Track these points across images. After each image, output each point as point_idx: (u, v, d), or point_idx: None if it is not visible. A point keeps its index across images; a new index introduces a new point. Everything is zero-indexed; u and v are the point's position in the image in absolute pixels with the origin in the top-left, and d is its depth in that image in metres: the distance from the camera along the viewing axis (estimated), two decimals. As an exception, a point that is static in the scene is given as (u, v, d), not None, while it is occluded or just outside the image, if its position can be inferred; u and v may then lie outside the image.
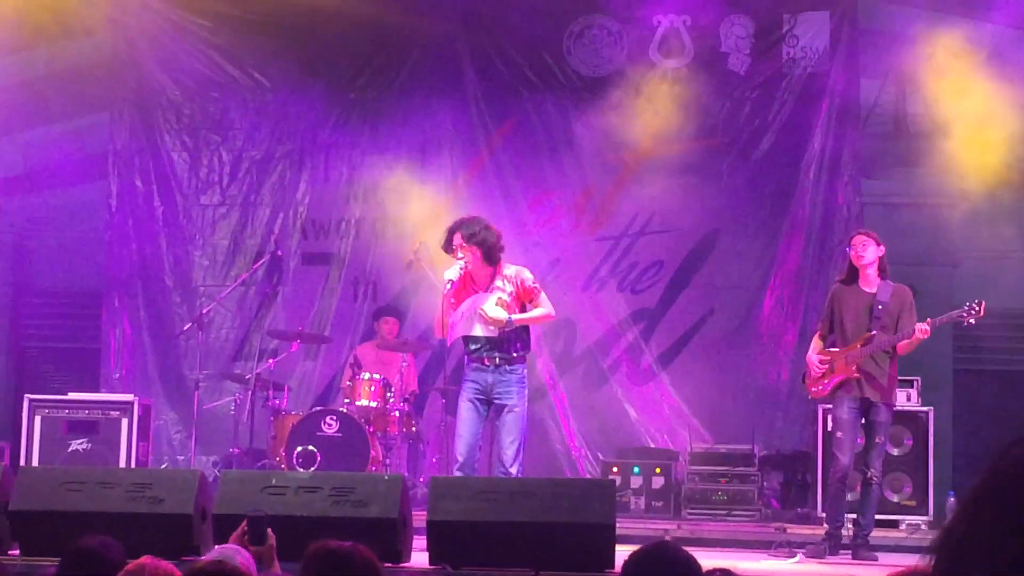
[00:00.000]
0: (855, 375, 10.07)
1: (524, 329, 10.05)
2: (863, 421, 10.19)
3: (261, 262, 14.46)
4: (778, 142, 14.50)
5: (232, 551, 5.42)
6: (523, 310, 10.01)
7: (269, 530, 5.98)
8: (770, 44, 14.59)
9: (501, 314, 9.82)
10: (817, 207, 14.35)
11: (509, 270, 10.02)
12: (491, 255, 9.92)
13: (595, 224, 14.79)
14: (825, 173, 14.34)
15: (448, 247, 10.04)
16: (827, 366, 10.22)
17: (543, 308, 10.02)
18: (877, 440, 10.07)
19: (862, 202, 14.68)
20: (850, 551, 10.08)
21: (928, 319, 9.95)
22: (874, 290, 10.15)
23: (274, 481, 8.97)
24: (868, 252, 10.15)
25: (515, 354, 9.95)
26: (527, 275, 10.03)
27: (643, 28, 14.62)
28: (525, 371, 10.05)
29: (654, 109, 14.50)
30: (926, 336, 9.92)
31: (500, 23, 14.86)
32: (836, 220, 14.26)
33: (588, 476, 13.87)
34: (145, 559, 4.57)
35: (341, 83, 15.06)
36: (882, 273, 10.22)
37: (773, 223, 14.47)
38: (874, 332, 10.05)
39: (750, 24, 14.59)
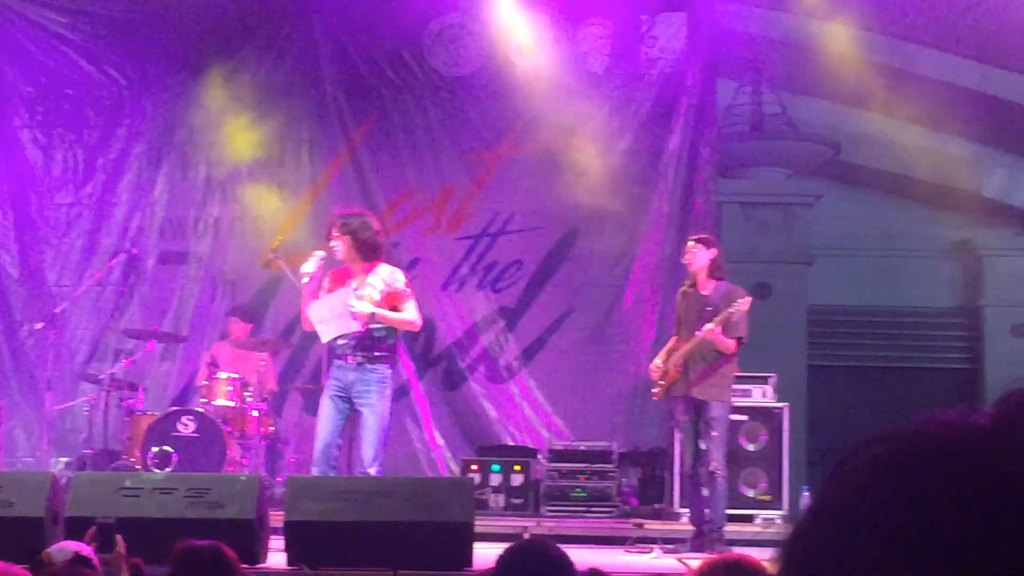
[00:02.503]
0: (679, 376, 10.21)
1: (392, 331, 10.03)
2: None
3: (116, 260, 14.24)
4: (636, 141, 14.60)
5: (67, 546, 5.41)
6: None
7: (119, 537, 5.93)
8: (628, 45, 14.68)
9: (366, 307, 9.81)
10: (675, 205, 14.46)
11: (384, 269, 10.04)
12: (363, 248, 9.93)
13: (455, 223, 14.79)
14: (683, 172, 14.46)
15: (328, 236, 10.08)
16: (661, 370, 10.36)
17: (409, 315, 9.99)
18: (713, 434, 10.14)
19: (719, 201, 14.85)
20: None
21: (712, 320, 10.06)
22: (708, 292, 10.27)
23: (128, 483, 8.87)
24: (696, 259, 10.27)
25: (378, 354, 9.92)
26: (400, 277, 10.04)
27: (502, 27, 14.63)
28: (388, 371, 10.01)
29: (514, 108, 14.56)
30: (711, 336, 10.00)
31: (359, 21, 14.79)
32: (693, 218, 14.37)
33: (448, 475, 13.87)
34: (-5, 564, 4.52)
35: (199, 81, 14.88)
36: (716, 274, 10.31)
37: (632, 222, 14.55)
38: (700, 333, 10.19)
39: (608, 24, 14.66)
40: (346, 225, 9.95)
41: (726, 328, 10.05)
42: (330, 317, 9.98)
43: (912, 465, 0.99)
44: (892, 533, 0.96)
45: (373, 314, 9.82)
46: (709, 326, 10.00)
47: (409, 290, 10.08)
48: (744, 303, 9.97)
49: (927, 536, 0.94)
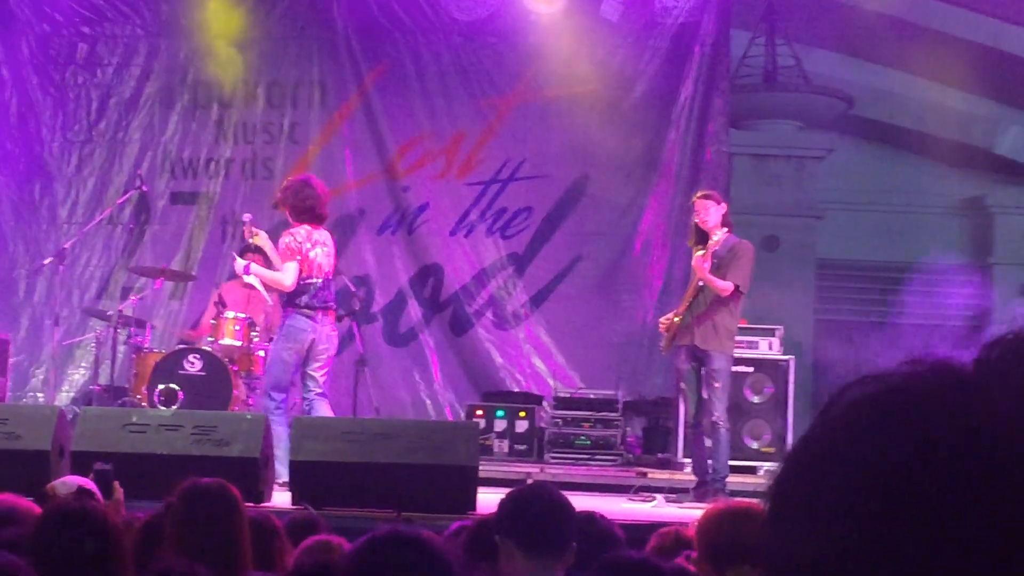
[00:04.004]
0: (681, 323, 10.20)
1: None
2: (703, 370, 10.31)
3: (126, 197, 14.23)
4: (649, 90, 14.55)
5: (71, 480, 5.47)
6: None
7: (116, 483, 5.94)
8: (643, -8, 14.62)
9: (238, 264, 10.60)
10: (686, 155, 14.42)
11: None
12: (294, 212, 10.40)
13: (465, 169, 14.77)
14: (694, 122, 14.41)
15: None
16: (669, 322, 10.37)
17: (279, 273, 10.32)
18: (715, 385, 10.13)
19: (730, 152, 14.81)
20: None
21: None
22: (717, 247, 10.23)
23: (134, 419, 8.91)
24: (711, 215, 10.20)
25: (288, 307, 10.46)
26: (284, 239, 10.36)
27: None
28: (289, 320, 10.39)
29: (527, 54, 14.53)
30: (697, 267, 10.04)
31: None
32: (704, 169, 14.34)
33: (453, 419, 13.90)
34: (2, 496, 4.56)
35: (212, 21, 14.82)
36: (726, 228, 10.30)
37: (642, 170, 14.53)
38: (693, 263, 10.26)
39: (624, -28, 14.60)
40: (282, 196, 10.53)
41: (728, 271, 10.05)
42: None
43: (887, 411, 0.98)
44: (862, 480, 0.95)
45: (247, 268, 10.49)
46: (699, 252, 10.03)
47: (291, 250, 10.24)
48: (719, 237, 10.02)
49: (895, 485, 0.94)
